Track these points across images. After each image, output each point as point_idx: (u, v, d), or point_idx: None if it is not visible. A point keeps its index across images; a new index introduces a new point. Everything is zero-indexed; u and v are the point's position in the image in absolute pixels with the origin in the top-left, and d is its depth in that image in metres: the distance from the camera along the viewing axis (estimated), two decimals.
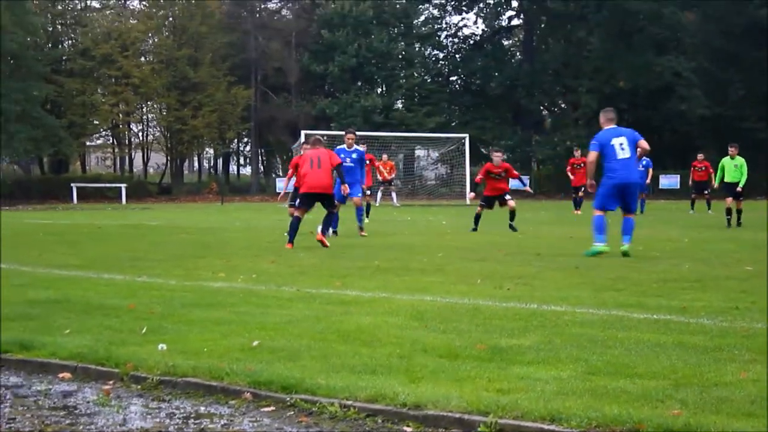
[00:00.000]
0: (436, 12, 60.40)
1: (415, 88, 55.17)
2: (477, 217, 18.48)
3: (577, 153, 29.18)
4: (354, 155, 17.37)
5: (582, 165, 28.32)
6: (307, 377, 5.05)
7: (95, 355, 5.79)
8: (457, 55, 60.70)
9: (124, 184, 46.38)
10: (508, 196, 18.28)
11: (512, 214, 18.32)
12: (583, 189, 28.35)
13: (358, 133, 19.82)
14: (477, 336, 6.24)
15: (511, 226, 18.24)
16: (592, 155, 12.47)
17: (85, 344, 6.09)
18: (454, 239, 16.34)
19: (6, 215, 28.05)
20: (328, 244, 14.07)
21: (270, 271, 10.69)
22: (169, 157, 57.39)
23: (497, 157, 18.49)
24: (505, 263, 11.38)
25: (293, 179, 15.54)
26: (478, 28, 69.30)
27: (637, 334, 6.25)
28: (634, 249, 12.78)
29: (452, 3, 60.05)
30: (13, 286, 9.18)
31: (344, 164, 15.83)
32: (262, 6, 58.78)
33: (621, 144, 12.32)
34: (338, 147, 17.47)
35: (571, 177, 28.89)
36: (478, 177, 19.24)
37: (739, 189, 19.85)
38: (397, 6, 56.37)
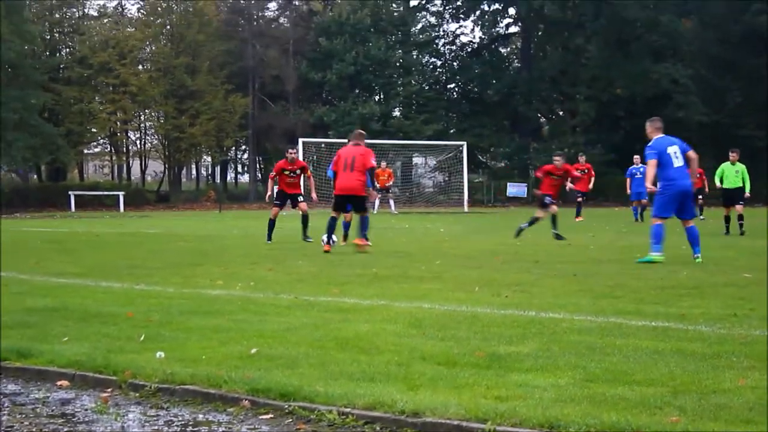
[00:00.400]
0: (433, 20, 60.49)
1: (412, 95, 55.17)
2: (534, 220, 18.36)
3: (582, 159, 29.12)
4: None
5: (586, 171, 28.32)
6: (305, 385, 5.05)
7: (93, 363, 5.79)
8: (454, 63, 60.76)
9: (122, 192, 46.26)
10: (555, 206, 18.44)
11: (533, 220, 18.37)
12: (584, 196, 28.38)
13: None
14: (475, 343, 6.24)
15: (519, 227, 18.26)
16: (653, 162, 12.64)
17: (83, 352, 6.08)
18: (452, 246, 16.34)
19: (4, 223, 28.01)
20: (369, 243, 14.58)
21: (268, 278, 10.69)
22: (166, 165, 57.31)
23: (558, 161, 18.72)
24: (503, 271, 11.38)
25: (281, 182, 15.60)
26: (475, 35, 69.45)
27: (636, 341, 6.25)
28: (632, 256, 12.79)
29: (450, 11, 60.13)
30: (12, 294, 9.17)
31: None
32: (260, 14, 58.76)
33: (675, 153, 12.60)
34: None
35: (571, 184, 28.73)
36: (538, 173, 19.53)
37: (747, 195, 20.07)
38: (395, 14, 56.45)
